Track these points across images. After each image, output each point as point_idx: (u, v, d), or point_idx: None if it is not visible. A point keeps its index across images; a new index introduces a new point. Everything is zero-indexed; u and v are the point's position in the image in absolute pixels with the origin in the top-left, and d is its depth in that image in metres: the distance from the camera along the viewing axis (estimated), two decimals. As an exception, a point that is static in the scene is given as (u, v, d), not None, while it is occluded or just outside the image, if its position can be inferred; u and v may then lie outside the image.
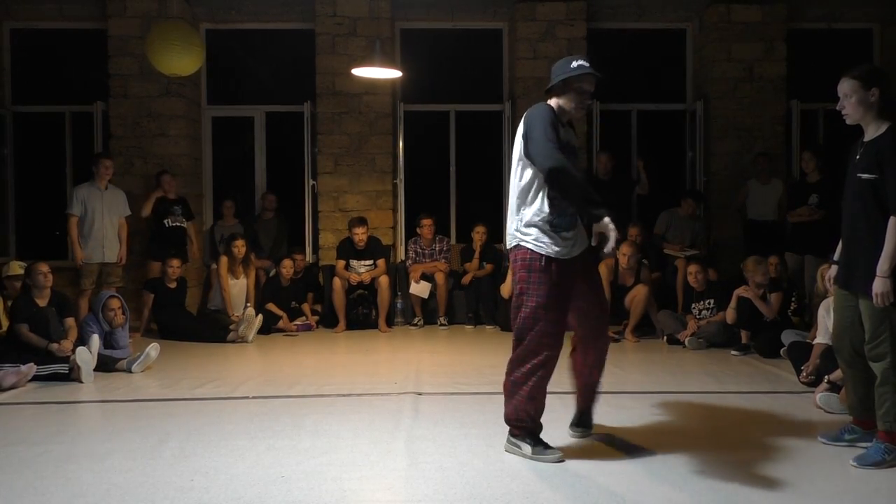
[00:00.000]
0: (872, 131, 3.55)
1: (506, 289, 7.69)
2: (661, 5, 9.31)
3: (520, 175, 3.66)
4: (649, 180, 8.61)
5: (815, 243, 7.41)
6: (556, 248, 3.59)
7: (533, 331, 3.59)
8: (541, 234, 3.60)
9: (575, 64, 3.64)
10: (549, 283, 3.57)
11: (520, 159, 3.65)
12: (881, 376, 3.55)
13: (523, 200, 3.66)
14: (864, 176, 3.48)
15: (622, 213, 8.50)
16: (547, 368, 3.66)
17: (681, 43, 9.62)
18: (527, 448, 3.67)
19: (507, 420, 3.77)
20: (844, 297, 3.72)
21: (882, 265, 3.42)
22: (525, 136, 3.58)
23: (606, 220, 3.45)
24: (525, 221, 3.64)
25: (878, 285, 3.43)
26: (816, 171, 7.74)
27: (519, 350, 3.66)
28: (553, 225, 3.59)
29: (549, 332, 3.59)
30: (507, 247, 3.78)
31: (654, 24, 9.48)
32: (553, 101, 3.71)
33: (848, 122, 3.61)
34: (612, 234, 3.46)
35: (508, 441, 3.78)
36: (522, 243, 3.63)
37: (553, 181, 3.49)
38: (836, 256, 3.85)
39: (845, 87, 3.55)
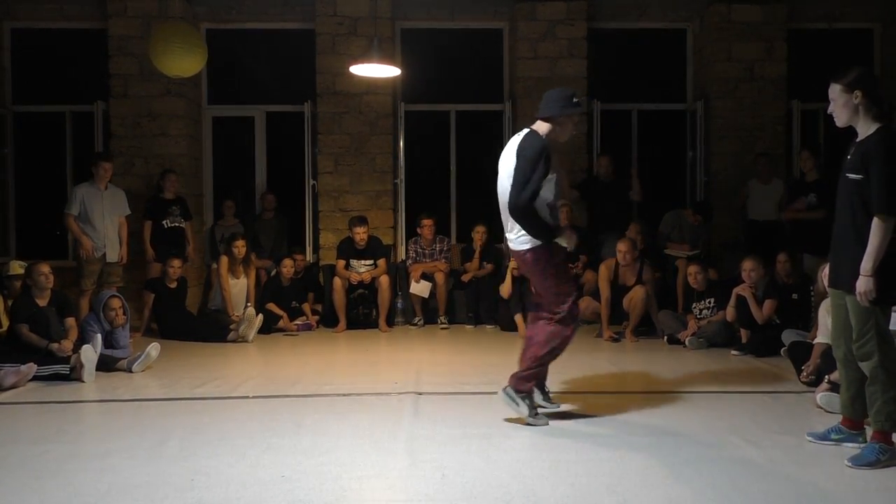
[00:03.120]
0: (863, 132, 3.62)
1: (505, 289, 7.69)
2: (661, 5, 9.31)
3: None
4: (643, 187, 8.61)
5: (812, 242, 7.42)
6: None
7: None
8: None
9: (576, 100, 4.21)
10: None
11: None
12: (870, 375, 3.59)
13: None
14: (852, 176, 3.56)
15: (622, 213, 8.52)
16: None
17: (681, 43, 9.62)
18: (524, 405, 4.25)
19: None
20: (838, 296, 3.76)
21: (865, 264, 3.47)
22: (518, 160, 4.10)
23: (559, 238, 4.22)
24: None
25: (861, 284, 3.49)
26: (815, 170, 7.76)
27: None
28: None
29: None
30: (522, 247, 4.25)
31: (654, 24, 9.48)
32: (544, 127, 4.22)
33: (838, 124, 3.70)
34: (566, 237, 4.25)
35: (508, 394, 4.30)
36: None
37: (517, 216, 4.10)
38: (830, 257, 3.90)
39: (831, 91, 3.66)
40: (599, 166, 8.62)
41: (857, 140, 3.65)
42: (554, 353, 4.35)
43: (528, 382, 4.33)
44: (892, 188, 3.43)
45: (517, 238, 4.24)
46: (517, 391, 4.28)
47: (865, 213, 3.51)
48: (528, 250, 4.22)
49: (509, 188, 4.14)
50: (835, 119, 3.67)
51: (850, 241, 3.58)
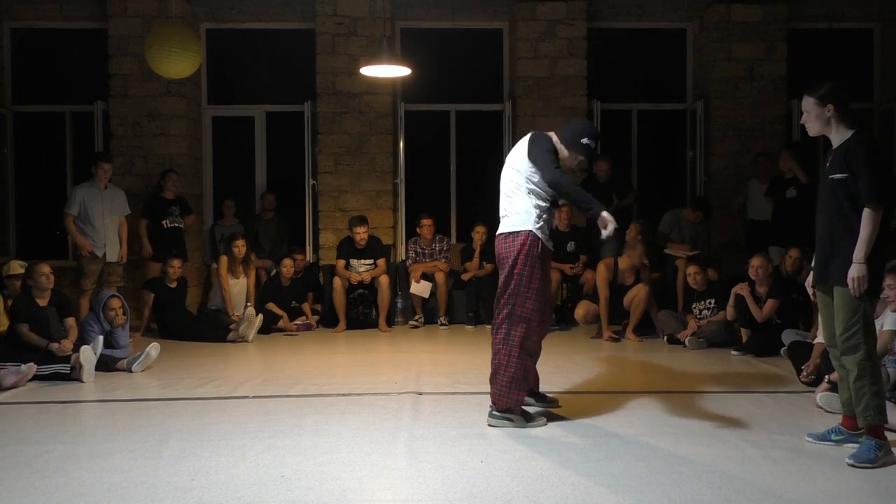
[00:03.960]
0: (838, 139, 3.79)
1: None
2: (661, 5, 9.31)
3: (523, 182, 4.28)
4: (619, 199, 8.61)
5: (797, 235, 7.49)
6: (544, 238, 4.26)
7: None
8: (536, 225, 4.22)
9: (586, 141, 4.29)
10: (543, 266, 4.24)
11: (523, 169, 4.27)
12: (857, 369, 3.63)
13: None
14: (836, 176, 3.70)
15: (622, 214, 8.52)
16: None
17: (681, 43, 9.62)
18: (519, 420, 4.20)
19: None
20: (825, 296, 3.84)
21: (858, 252, 3.59)
22: (532, 156, 4.21)
23: (605, 213, 4.12)
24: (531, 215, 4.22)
25: (855, 270, 3.59)
26: (792, 168, 7.96)
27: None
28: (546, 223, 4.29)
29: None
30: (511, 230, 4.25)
31: (654, 24, 9.48)
32: (556, 139, 4.32)
33: (810, 133, 3.89)
34: (610, 224, 4.11)
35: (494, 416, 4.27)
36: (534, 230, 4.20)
37: (557, 191, 4.21)
38: (813, 263, 3.96)
39: (805, 103, 3.83)
40: (598, 169, 8.61)
41: (834, 147, 3.81)
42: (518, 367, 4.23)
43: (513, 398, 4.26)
44: (878, 181, 3.59)
45: (511, 221, 4.23)
46: (501, 411, 4.24)
47: (853, 207, 3.64)
48: (520, 232, 4.18)
49: (511, 179, 4.29)
50: (807, 129, 3.85)
51: (839, 236, 3.69)
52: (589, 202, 4.16)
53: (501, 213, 4.35)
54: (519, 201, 4.23)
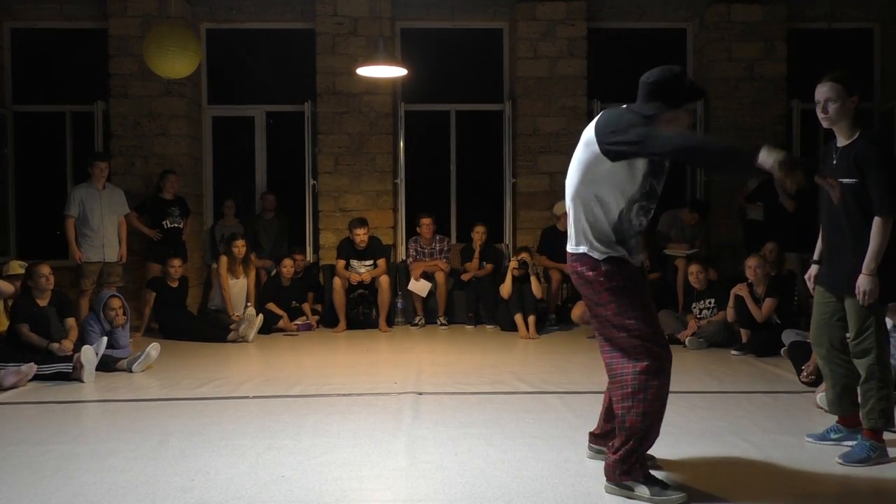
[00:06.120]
0: (846, 137, 3.61)
1: (505, 289, 7.70)
2: (661, 5, 9.31)
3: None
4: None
5: (792, 237, 7.52)
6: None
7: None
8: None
9: (688, 82, 3.26)
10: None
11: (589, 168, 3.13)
12: (866, 372, 3.59)
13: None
14: (845, 181, 3.52)
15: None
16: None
17: (681, 43, 9.62)
18: (643, 490, 3.10)
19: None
20: (825, 294, 3.77)
21: (868, 263, 3.48)
22: (601, 135, 3.12)
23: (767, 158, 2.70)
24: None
25: (864, 283, 3.49)
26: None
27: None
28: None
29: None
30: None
31: (654, 23, 9.49)
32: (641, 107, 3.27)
33: (825, 125, 3.64)
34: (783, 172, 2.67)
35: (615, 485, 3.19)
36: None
37: (689, 157, 3.04)
38: (815, 256, 3.90)
39: (829, 91, 3.55)
40: None
41: (839, 145, 3.63)
42: (648, 416, 3.08)
43: (636, 470, 3.13)
44: (891, 189, 3.44)
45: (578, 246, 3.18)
46: (624, 485, 3.14)
47: (861, 215, 3.51)
48: (596, 260, 3.11)
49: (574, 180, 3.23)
50: (827, 119, 3.58)
51: (846, 244, 3.59)
52: (739, 150, 2.87)
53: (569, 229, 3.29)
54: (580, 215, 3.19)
